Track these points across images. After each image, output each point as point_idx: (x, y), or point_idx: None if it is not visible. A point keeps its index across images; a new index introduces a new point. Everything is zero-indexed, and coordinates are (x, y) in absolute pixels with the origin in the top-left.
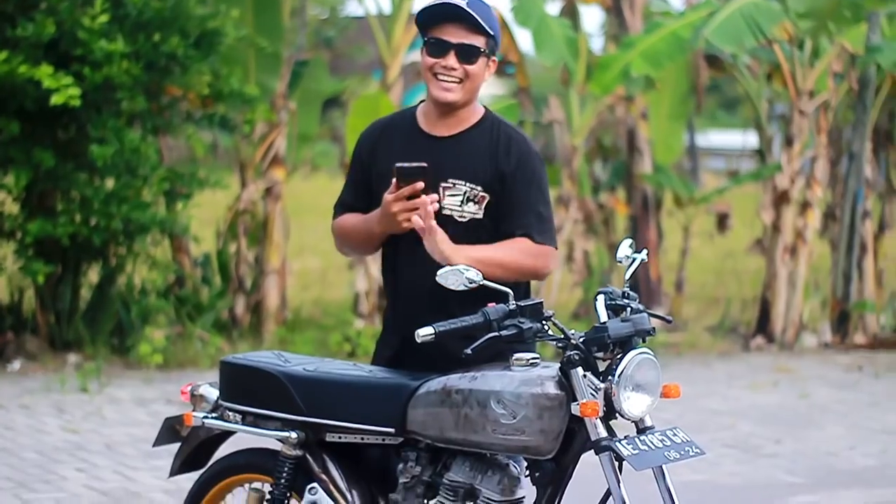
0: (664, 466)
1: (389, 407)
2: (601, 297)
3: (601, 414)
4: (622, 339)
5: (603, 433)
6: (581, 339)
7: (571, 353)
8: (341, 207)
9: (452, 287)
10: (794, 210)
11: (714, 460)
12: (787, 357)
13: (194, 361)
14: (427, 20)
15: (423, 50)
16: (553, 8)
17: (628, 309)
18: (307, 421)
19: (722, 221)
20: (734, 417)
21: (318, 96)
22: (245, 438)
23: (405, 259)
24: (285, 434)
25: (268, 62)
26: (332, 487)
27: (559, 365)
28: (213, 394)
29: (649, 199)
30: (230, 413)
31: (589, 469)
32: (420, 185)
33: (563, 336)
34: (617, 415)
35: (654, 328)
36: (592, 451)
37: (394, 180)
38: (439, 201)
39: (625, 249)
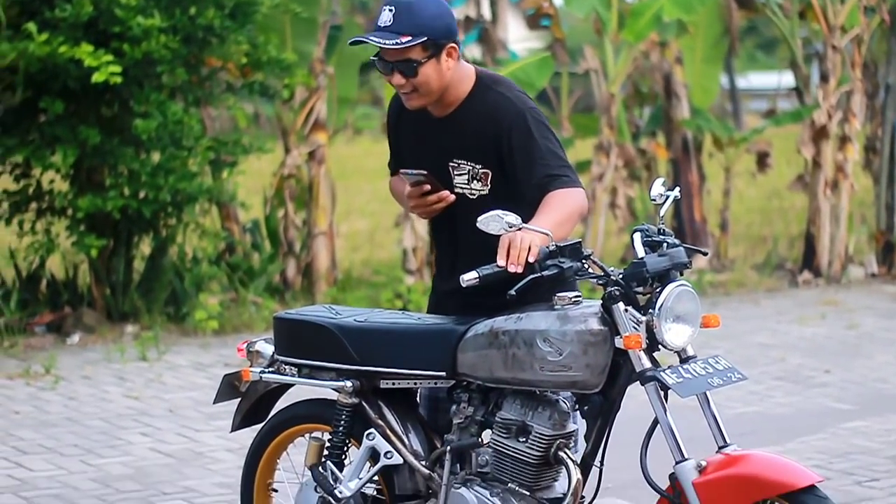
0: (708, 393)
1: (439, 351)
2: (637, 235)
3: (644, 346)
4: (660, 273)
5: (647, 364)
6: (621, 276)
7: (612, 289)
8: (391, 169)
9: (494, 232)
10: (834, 145)
11: (765, 392)
12: (834, 290)
13: (249, 326)
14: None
15: None
16: None
17: (664, 244)
18: (361, 369)
19: (762, 160)
20: (783, 351)
21: (356, 59)
22: (302, 390)
23: (445, 214)
24: (341, 383)
25: (304, 28)
26: (388, 432)
27: (601, 301)
28: (268, 349)
29: (689, 142)
30: (286, 367)
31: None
32: (426, 187)
33: (603, 273)
34: (659, 346)
35: (690, 261)
36: (638, 382)
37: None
38: (452, 183)
39: (658, 188)
